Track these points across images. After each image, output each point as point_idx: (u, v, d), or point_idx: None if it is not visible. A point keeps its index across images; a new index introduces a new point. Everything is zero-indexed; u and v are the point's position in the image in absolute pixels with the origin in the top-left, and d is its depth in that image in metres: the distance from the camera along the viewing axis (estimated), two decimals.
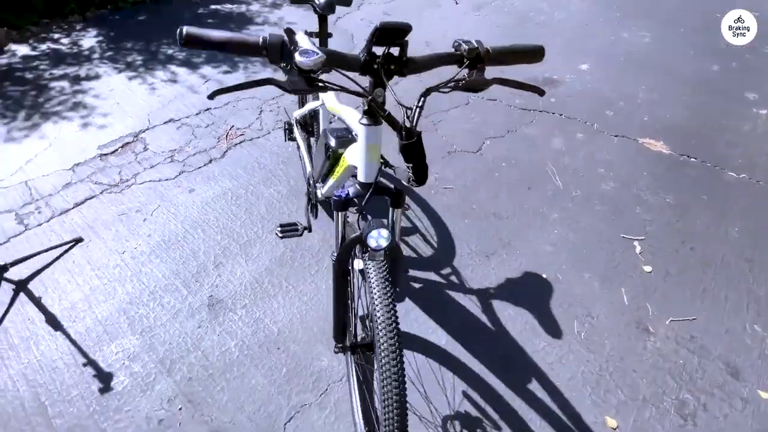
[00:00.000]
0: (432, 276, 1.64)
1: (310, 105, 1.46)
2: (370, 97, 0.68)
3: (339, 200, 0.86)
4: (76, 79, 2.64)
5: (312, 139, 1.72)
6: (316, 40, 1.40)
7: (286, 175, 2.04)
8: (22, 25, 3.05)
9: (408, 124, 0.67)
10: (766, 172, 2.15)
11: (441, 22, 3.41)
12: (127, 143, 2.20)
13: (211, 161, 2.11)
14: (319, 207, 1.58)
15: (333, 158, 1.06)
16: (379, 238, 0.76)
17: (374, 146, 0.83)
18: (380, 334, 0.74)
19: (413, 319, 1.50)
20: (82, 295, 1.55)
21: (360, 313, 1.04)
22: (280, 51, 0.64)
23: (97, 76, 2.67)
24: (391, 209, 0.90)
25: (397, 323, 0.75)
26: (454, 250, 1.73)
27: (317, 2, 1.24)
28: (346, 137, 1.02)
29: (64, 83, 2.60)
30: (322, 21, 1.28)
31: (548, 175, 2.09)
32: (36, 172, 2.03)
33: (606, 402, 1.31)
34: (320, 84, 0.66)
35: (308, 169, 1.52)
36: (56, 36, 3.08)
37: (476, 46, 0.74)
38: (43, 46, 2.96)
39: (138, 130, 2.28)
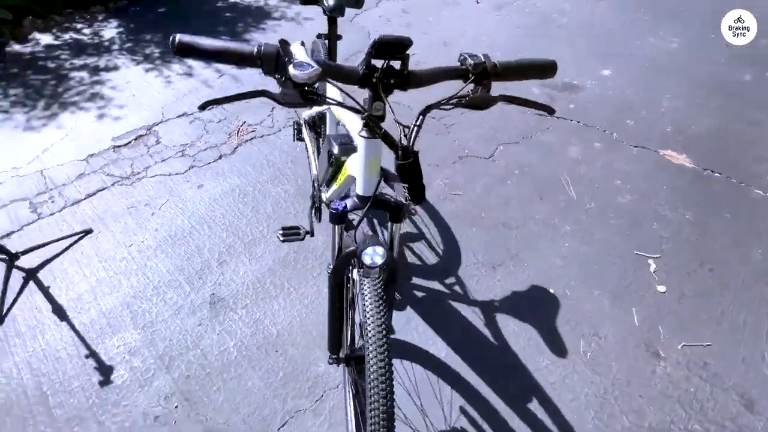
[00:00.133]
0: (435, 285, 1.60)
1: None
2: (366, 113, 0.66)
3: (336, 213, 0.83)
4: (95, 70, 2.68)
5: (320, 141, 1.70)
6: (324, 44, 1.36)
7: (294, 174, 2.03)
8: (47, 14, 3.11)
9: (405, 143, 0.64)
10: None
11: (460, 22, 3.34)
12: (141, 136, 2.22)
13: (221, 157, 2.12)
14: (323, 210, 1.56)
15: (336, 165, 1.04)
16: (374, 255, 0.74)
17: (374, 160, 0.81)
18: (370, 352, 0.72)
19: (413, 328, 1.48)
20: (89, 287, 1.57)
21: (355, 324, 1.02)
22: (274, 62, 0.61)
23: (115, 68, 2.71)
24: (390, 223, 0.87)
25: (389, 343, 0.73)
26: (459, 259, 1.69)
27: (326, 4, 1.21)
28: (349, 145, 1.00)
29: (84, 73, 2.64)
30: (332, 22, 1.25)
31: (562, 185, 2.02)
32: (52, 161, 2.06)
33: (609, 427, 1.26)
34: (315, 98, 0.64)
35: (314, 171, 1.50)
36: (79, 26, 3.13)
37: (483, 60, 0.70)
38: (66, 36, 3.01)
39: (151, 123, 2.30)
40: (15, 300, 1.52)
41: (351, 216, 0.91)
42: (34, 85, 2.53)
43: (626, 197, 1.97)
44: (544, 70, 0.76)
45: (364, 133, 0.78)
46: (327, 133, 1.41)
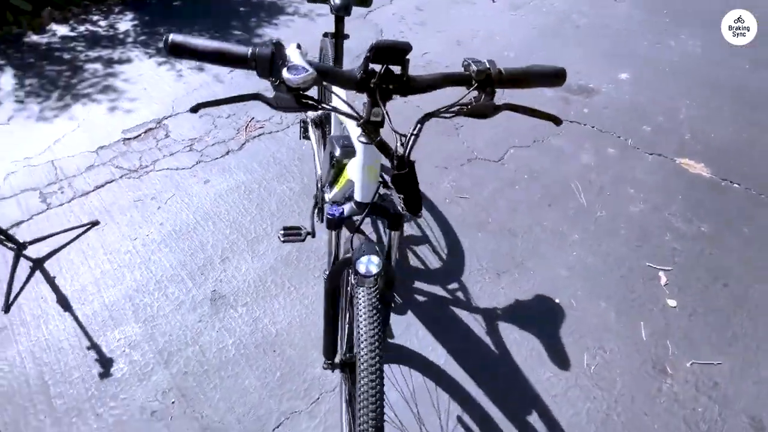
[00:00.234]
0: (437, 290, 1.58)
1: (336, 101, 1.42)
2: (362, 120, 0.63)
3: (332, 219, 0.82)
4: (109, 62, 2.70)
5: (326, 140, 1.68)
6: (331, 43, 1.34)
7: (301, 172, 2.02)
8: (66, 5, 3.15)
9: (401, 152, 0.62)
10: None
11: (474, 21, 3.28)
12: (150, 129, 2.24)
13: (228, 152, 2.12)
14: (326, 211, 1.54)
15: (337, 167, 1.02)
16: (369, 264, 0.72)
17: (372, 166, 0.78)
18: (362, 363, 0.71)
19: (413, 333, 1.45)
20: (93, 279, 1.59)
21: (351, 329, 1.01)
22: (269, 65, 0.59)
23: (128, 60, 2.73)
24: (388, 231, 0.85)
25: (380, 355, 0.71)
26: (463, 264, 1.67)
27: (333, 3, 1.19)
28: (351, 147, 0.98)
29: (98, 65, 2.67)
30: (339, 21, 1.23)
31: (572, 192, 1.97)
32: (63, 152, 2.09)
33: None
34: (310, 103, 0.62)
35: (318, 171, 1.49)
36: (95, 18, 3.16)
37: (488, 66, 0.67)
38: (82, 28, 3.05)
39: (162, 117, 2.31)
40: (21, 289, 1.54)
41: (356, 217, 0.89)
42: (49, 76, 2.57)
43: (639, 206, 1.91)
44: (552, 78, 0.72)
45: (363, 139, 0.75)
46: (331, 133, 1.39)
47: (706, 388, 1.34)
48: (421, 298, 1.56)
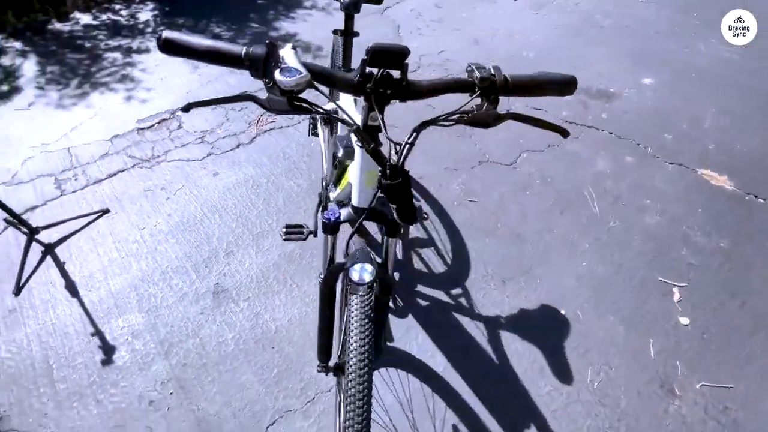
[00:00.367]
0: (440, 295, 1.55)
1: (332, 105, 1.41)
2: (355, 127, 0.61)
3: (328, 223, 0.80)
4: (128, 51, 2.74)
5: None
6: (340, 48, 1.31)
7: (309, 168, 2.01)
8: None
9: (395, 161, 0.59)
10: None
11: (495, 19, 3.21)
12: (164, 120, 2.26)
13: (238, 146, 2.13)
14: None
15: (340, 168, 1.00)
16: (362, 271, 0.70)
17: (370, 171, 0.76)
18: (351, 371, 0.69)
19: (413, 338, 1.44)
20: (101, 266, 1.62)
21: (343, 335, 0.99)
22: (262, 66, 0.58)
23: (147, 50, 2.76)
24: (385, 238, 0.83)
25: (369, 366, 0.70)
26: (468, 269, 1.63)
27: (342, 0, 1.16)
28: (353, 149, 0.96)
29: (117, 54, 2.71)
30: (348, 19, 1.20)
31: (586, 200, 1.91)
32: (79, 140, 2.13)
33: None
34: (303, 106, 0.60)
35: (325, 169, 1.47)
36: (117, 7, 3.21)
37: (492, 73, 0.64)
38: (104, 16, 3.09)
39: (175, 108, 2.33)
40: (32, 273, 1.58)
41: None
42: (69, 64, 2.62)
43: (655, 218, 1.84)
44: (562, 86, 0.69)
45: (359, 144, 0.73)
46: (338, 132, 1.37)
47: (716, 412, 1.29)
48: (423, 302, 1.53)
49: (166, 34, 0.58)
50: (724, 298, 1.57)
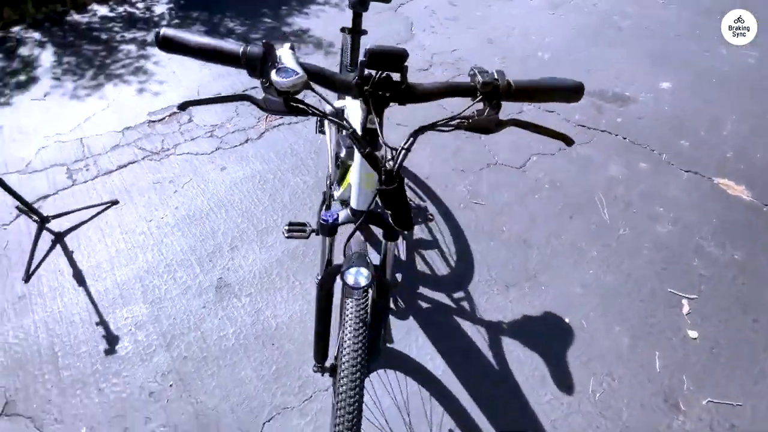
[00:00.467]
0: (442, 297, 1.54)
1: (339, 103, 1.40)
2: (351, 130, 0.60)
3: (326, 225, 0.79)
4: (142, 44, 2.77)
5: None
6: (349, 46, 1.30)
7: (316, 166, 2.01)
8: None
9: (390, 166, 0.58)
10: None
11: (510, 19, 3.16)
12: (175, 113, 2.28)
13: (247, 141, 2.13)
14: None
15: (343, 168, 0.99)
16: (357, 275, 0.69)
17: (370, 174, 0.75)
18: (343, 376, 0.69)
19: (413, 340, 1.42)
20: (108, 256, 1.64)
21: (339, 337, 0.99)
22: (259, 66, 0.57)
23: None
24: (383, 242, 0.82)
25: (361, 370, 0.69)
26: (472, 273, 1.61)
27: None
28: (354, 149, 0.95)
29: (132, 47, 2.74)
30: (356, 17, 1.19)
31: (596, 206, 1.87)
32: (91, 130, 2.16)
33: None
34: (300, 107, 0.59)
35: (330, 167, 1.47)
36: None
37: (496, 77, 0.62)
38: (121, 9, 3.13)
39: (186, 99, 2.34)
40: (42, 261, 1.61)
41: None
42: (85, 55, 2.66)
43: (667, 227, 1.79)
44: (568, 93, 0.66)
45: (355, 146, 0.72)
46: (342, 132, 1.36)
47: (722, 430, 1.25)
48: (424, 305, 1.52)
49: (164, 31, 0.58)
50: (736, 313, 1.53)
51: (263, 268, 1.61)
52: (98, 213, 1.78)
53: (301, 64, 0.57)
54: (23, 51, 2.68)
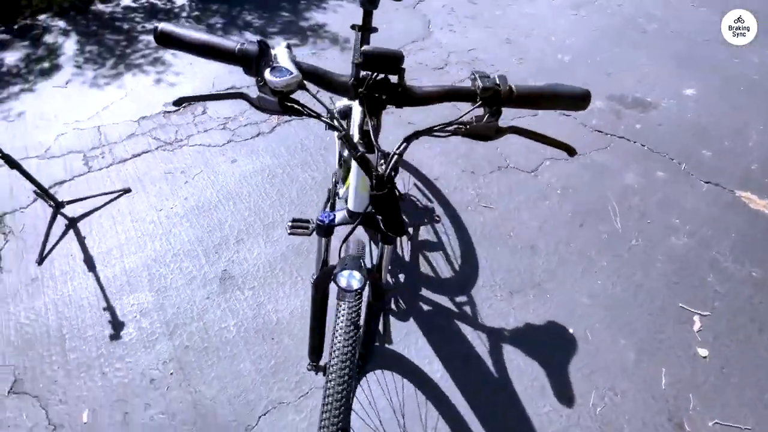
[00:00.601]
0: (444, 300, 1.52)
1: (346, 103, 1.39)
2: (343, 132, 0.59)
3: (322, 225, 0.79)
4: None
5: None
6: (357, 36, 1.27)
7: (325, 162, 2.01)
8: None
9: (381, 171, 0.57)
10: None
11: (530, 19, 3.09)
12: (190, 104, 2.31)
13: (258, 134, 2.15)
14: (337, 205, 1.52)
15: (346, 167, 0.99)
16: (350, 278, 0.68)
17: (366, 176, 0.74)
18: (330, 380, 0.68)
19: (412, 342, 1.41)
20: (118, 243, 1.67)
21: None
22: (254, 64, 0.56)
23: None
24: (380, 244, 0.81)
25: (350, 375, 0.68)
26: (476, 277, 1.59)
27: None
28: None
29: (151, 37, 2.78)
30: (367, 14, 1.17)
31: (608, 214, 1.82)
32: (109, 119, 2.21)
33: None
34: (294, 107, 0.58)
35: (337, 165, 1.46)
36: None
37: (497, 82, 0.60)
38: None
39: (201, 91, 2.37)
40: (55, 245, 1.66)
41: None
42: (107, 45, 2.71)
43: (682, 239, 1.73)
44: (573, 101, 0.64)
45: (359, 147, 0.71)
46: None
47: None
48: (425, 307, 1.51)
49: (162, 26, 0.58)
50: (751, 332, 1.47)
51: (267, 263, 1.62)
52: (111, 200, 1.82)
53: (297, 64, 0.57)
54: (48, 39, 2.75)
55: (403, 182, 1.91)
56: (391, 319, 1.46)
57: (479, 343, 1.42)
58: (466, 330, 1.45)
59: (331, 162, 2.00)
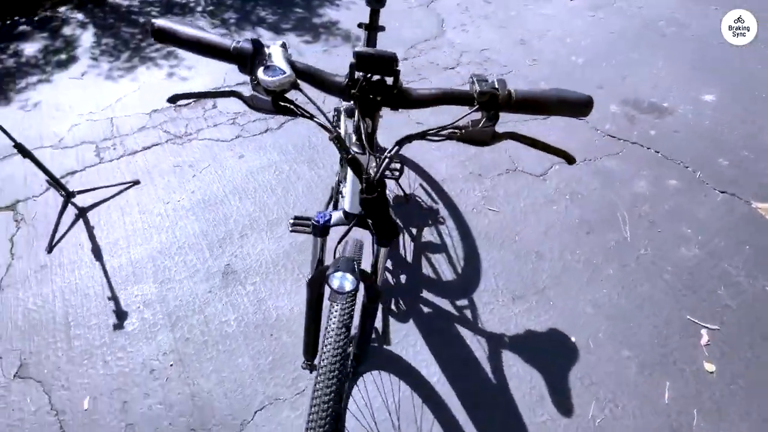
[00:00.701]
0: (445, 303, 1.51)
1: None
2: (335, 134, 0.58)
3: (317, 226, 0.78)
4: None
5: None
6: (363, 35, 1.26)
7: (332, 159, 2.00)
8: None
9: (371, 174, 0.56)
10: None
11: (546, 19, 3.04)
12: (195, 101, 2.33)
13: (267, 130, 2.16)
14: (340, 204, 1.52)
15: (345, 167, 0.98)
16: (342, 280, 0.68)
17: None
18: (319, 382, 0.68)
19: (410, 343, 1.41)
20: (125, 234, 1.70)
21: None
22: (248, 62, 0.56)
23: None
24: (375, 247, 0.80)
25: (339, 377, 0.68)
26: (478, 281, 1.57)
27: None
28: None
29: None
30: (373, 13, 1.16)
31: (617, 222, 1.78)
32: (121, 111, 2.24)
33: None
34: (287, 106, 0.57)
35: (339, 164, 1.46)
36: None
37: (495, 86, 0.58)
38: None
39: (212, 87, 2.39)
40: (65, 234, 1.69)
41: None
42: (123, 37, 2.75)
43: (693, 250, 1.69)
44: (574, 107, 0.61)
45: (354, 148, 0.70)
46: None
47: None
48: (426, 309, 1.50)
49: (158, 23, 0.58)
50: (762, 349, 1.42)
51: (270, 259, 1.62)
52: (120, 192, 1.85)
53: (292, 63, 0.56)
54: (66, 30, 2.81)
55: (409, 182, 1.90)
56: (391, 320, 1.45)
57: (478, 347, 1.40)
58: (466, 334, 1.43)
59: (336, 161, 1.99)
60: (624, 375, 1.35)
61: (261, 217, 1.77)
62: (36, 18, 2.93)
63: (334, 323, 0.70)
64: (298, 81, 0.56)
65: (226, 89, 0.60)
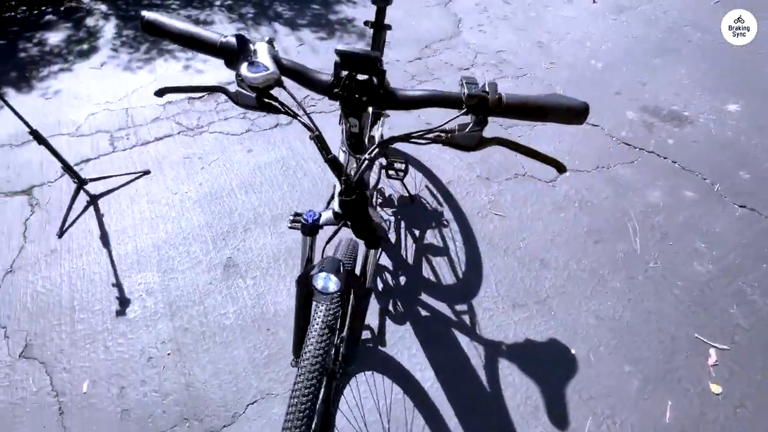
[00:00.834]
0: (444, 308, 1.49)
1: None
2: (316, 134, 0.57)
3: (306, 224, 0.78)
4: (195, 23, 2.87)
5: None
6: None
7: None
8: None
9: (350, 176, 0.55)
10: None
11: (567, 22, 2.97)
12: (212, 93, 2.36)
13: (276, 126, 2.17)
14: None
15: None
16: (326, 281, 0.67)
17: None
18: (300, 382, 0.67)
19: (406, 347, 1.39)
20: (133, 223, 1.73)
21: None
22: (234, 58, 0.55)
23: (212, 23, 2.88)
24: (364, 249, 0.79)
25: (318, 377, 0.67)
26: (479, 286, 1.55)
27: None
28: None
29: None
30: (379, 11, 1.15)
31: (627, 233, 1.73)
32: (137, 102, 2.28)
33: None
34: (270, 103, 0.57)
35: None
36: None
37: (485, 90, 0.56)
38: None
39: (227, 81, 2.42)
40: (75, 220, 1.74)
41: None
42: None
43: (706, 266, 1.62)
44: (567, 114, 0.59)
45: (344, 148, 0.70)
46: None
47: None
48: (424, 312, 1.48)
49: (148, 15, 0.58)
50: None
51: (272, 254, 1.63)
52: (130, 181, 1.89)
53: (278, 60, 0.56)
54: (89, 21, 2.88)
55: (415, 183, 1.88)
56: (388, 321, 1.44)
57: (475, 354, 1.38)
58: (463, 339, 1.41)
59: None
60: (624, 390, 1.31)
61: (265, 211, 1.78)
62: (62, 8, 3.02)
63: (317, 323, 0.70)
64: (284, 78, 0.55)
65: (213, 85, 0.60)
